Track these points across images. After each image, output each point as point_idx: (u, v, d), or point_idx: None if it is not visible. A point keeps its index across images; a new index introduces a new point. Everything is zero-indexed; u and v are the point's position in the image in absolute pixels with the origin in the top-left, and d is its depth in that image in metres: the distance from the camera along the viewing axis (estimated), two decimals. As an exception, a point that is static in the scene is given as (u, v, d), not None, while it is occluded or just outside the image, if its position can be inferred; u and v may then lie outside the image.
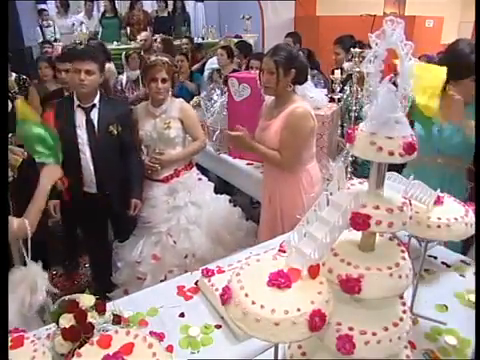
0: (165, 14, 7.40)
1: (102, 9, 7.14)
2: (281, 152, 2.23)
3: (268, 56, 2.19)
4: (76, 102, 2.43)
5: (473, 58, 1.97)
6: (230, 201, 2.83)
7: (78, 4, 7.17)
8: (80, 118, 2.42)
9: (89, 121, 2.42)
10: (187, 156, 2.65)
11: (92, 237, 2.71)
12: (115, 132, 2.42)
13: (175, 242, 2.53)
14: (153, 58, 2.48)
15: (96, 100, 2.44)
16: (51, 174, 1.83)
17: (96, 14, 7.22)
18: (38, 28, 6.61)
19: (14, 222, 1.59)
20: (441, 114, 2.10)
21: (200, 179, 2.74)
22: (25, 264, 1.67)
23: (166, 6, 7.43)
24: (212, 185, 2.83)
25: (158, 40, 5.47)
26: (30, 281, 1.62)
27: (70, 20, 6.89)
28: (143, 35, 5.69)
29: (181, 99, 2.67)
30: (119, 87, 4.66)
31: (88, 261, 3.24)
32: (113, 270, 2.68)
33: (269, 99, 2.39)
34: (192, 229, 2.56)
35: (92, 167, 2.45)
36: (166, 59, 2.48)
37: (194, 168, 2.74)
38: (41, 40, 6.50)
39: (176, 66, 2.58)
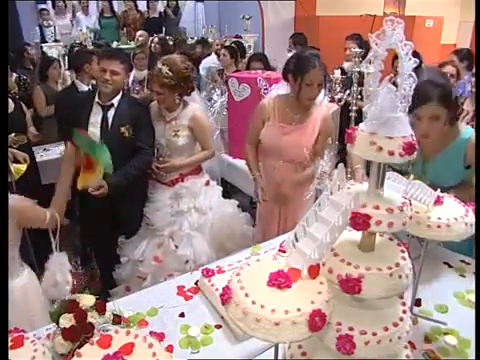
0: (156, 15, 7.40)
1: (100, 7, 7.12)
2: (315, 156, 2.26)
3: (318, 68, 2.09)
4: (96, 98, 2.45)
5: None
6: (238, 206, 2.75)
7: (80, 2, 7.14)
8: (96, 115, 2.45)
9: (104, 119, 2.44)
10: (191, 164, 2.58)
11: (97, 232, 2.71)
12: (126, 134, 2.43)
13: (177, 247, 2.51)
14: (158, 65, 2.37)
15: (116, 100, 2.45)
16: (70, 157, 1.87)
17: (94, 13, 7.19)
18: (37, 28, 6.59)
19: (47, 214, 1.67)
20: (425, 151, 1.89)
21: (208, 183, 2.67)
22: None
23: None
24: (220, 189, 2.76)
25: (155, 40, 5.48)
26: (63, 268, 1.69)
27: (68, 19, 6.89)
28: (139, 33, 5.79)
29: (195, 106, 2.55)
30: (125, 87, 4.66)
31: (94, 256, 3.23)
32: (116, 267, 2.68)
33: (276, 102, 2.27)
34: (194, 235, 2.52)
35: None
36: (165, 69, 2.32)
37: (202, 172, 2.66)
38: (38, 40, 6.51)
39: (180, 76, 2.35)
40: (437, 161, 1.89)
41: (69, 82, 4.35)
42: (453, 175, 1.89)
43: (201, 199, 2.56)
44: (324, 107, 2.31)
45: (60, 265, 1.68)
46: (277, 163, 2.32)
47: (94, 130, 2.44)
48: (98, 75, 2.36)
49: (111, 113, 2.45)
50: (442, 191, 1.42)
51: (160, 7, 7.59)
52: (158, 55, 5.21)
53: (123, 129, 2.42)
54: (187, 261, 2.48)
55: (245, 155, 2.47)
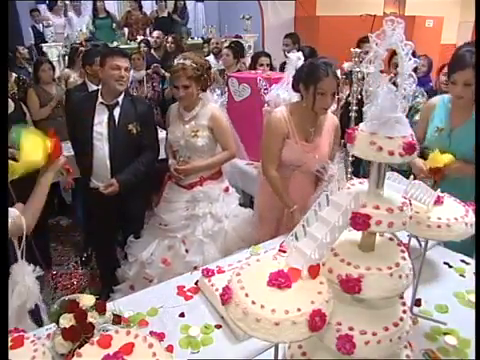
0: (165, 14, 7.41)
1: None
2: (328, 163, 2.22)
3: (332, 77, 2.01)
4: (99, 99, 2.46)
5: (461, 53, 1.97)
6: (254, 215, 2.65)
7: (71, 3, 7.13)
8: (101, 115, 2.45)
9: (111, 118, 2.45)
10: (211, 166, 2.51)
11: (101, 231, 2.71)
12: (134, 131, 2.45)
13: (187, 251, 2.47)
14: (176, 62, 2.37)
15: (120, 98, 2.47)
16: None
17: (87, 12, 7.18)
18: (30, 29, 6.61)
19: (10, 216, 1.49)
20: (451, 120, 2.11)
21: (227, 190, 2.60)
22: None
23: (166, 6, 7.44)
24: (238, 197, 2.69)
25: (169, 40, 5.52)
26: (25, 281, 1.58)
27: (63, 19, 6.89)
28: (155, 34, 5.79)
29: (214, 105, 2.51)
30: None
31: (95, 255, 3.22)
32: (122, 264, 2.68)
33: (290, 116, 2.14)
34: (206, 242, 2.46)
35: (109, 163, 2.47)
36: (188, 62, 2.31)
37: (221, 178, 2.59)
38: (32, 41, 6.52)
39: (203, 68, 2.35)
40: (463, 128, 2.05)
41: (71, 80, 4.36)
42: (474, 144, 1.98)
43: (218, 205, 2.50)
44: (330, 113, 2.25)
45: (26, 275, 1.58)
46: (292, 173, 2.26)
47: (101, 130, 2.45)
48: (111, 74, 2.36)
49: (117, 111, 2.46)
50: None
51: (169, 7, 7.58)
52: (173, 54, 5.26)
53: (131, 126, 2.44)
54: (195, 267, 2.37)
55: (271, 183, 2.23)
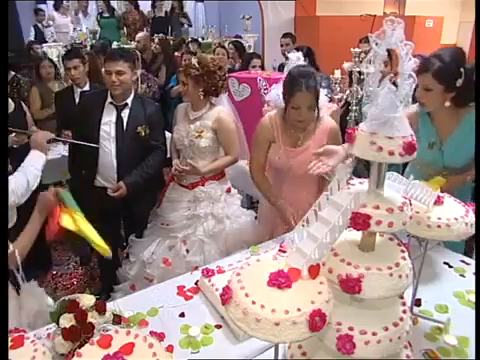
0: (162, 14, 7.38)
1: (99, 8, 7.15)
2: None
3: (306, 91, 1.94)
4: (109, 99, 2.46)
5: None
6: (256, 218, 2.63)
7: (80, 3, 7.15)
8: (109, 115, 2.45)
9: (119, 119, 2.45)
10: (213, 170, 2.49)
11: (104, 231, 2.70)
12: (143, 133, 2.45)
13: (188, 251, 2.47)
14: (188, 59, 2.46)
15: (129, 99, 2.47)
16: (45, 205, 1.76)
17: (93, 13, 7.22)
18: (32, 28, 6.63)
19: (10, 250, 1.53)
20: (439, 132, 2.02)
21: (229, 190, 2.61)
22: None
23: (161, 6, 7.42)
24: (240, 198, 2.69)
25: (156, 40, 5.48)
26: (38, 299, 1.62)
27: (69, 19, 6.91)
28: (139, 36, 5.67)
29: (221, 108, 2.49)
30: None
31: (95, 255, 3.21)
32: (124, 263, 2.67)
33: (277, 121, 2.14)
34: (207, 243, 2.47)
35: (115, 163, 2.47)
36: (194, 61, 2.34)
37: (224, 178, 2.59)
38: (31, 40, 6.53)
39: (204, 69, 2.34)
40: (453, 139, 1.97)
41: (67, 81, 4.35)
42: (467, 152, 1.94)
43: (220, 206, 2.50)
44: (327, 118, 2.19)
45: (34, 295, 1.62)
46: (286, 176, 2.23)
47: (109, 130, 2.45)
48: (106, 79, 2.38)
49: (126, 113, 2.46)
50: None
51: (166, 6, 7.57)
52: (159, 55, 5.24)
53: (139, 128, 2.44)
54: (196, 267, 2.43)
55: (257, 185, 2.27)
